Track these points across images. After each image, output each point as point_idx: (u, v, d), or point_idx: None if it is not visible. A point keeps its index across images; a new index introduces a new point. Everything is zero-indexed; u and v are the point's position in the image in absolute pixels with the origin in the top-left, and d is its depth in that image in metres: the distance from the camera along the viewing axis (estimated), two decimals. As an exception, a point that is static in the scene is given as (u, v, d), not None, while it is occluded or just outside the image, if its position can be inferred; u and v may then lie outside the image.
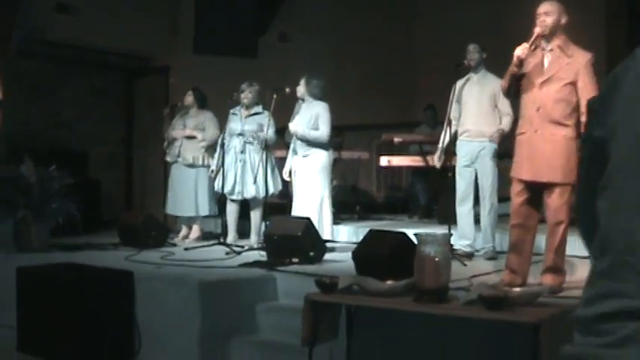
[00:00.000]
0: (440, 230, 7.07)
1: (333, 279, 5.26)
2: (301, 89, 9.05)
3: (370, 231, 6.90)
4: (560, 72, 6.06)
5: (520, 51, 6.09)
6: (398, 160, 11.40)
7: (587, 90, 5.94)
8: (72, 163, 10.73)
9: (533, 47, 6.13)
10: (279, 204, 10.27)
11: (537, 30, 6.11)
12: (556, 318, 4.59)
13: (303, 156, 8.96)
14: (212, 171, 9.79)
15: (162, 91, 12.64)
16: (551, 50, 6.15)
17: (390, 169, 12.52)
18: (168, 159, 10.33)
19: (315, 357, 5.37)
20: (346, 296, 5.21)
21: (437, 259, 4.82)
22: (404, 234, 6.52)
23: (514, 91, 6.36)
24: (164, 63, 12.88)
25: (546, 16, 6.13)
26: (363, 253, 6.50)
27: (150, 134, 12.13)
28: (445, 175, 8.84)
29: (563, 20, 6.16)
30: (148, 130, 12.36)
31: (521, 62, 6.12)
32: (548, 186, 6.07)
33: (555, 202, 6.04)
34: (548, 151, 6.03)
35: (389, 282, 5.18)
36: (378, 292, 5.10)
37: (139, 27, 12.26)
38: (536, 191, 6.17)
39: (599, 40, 11.66)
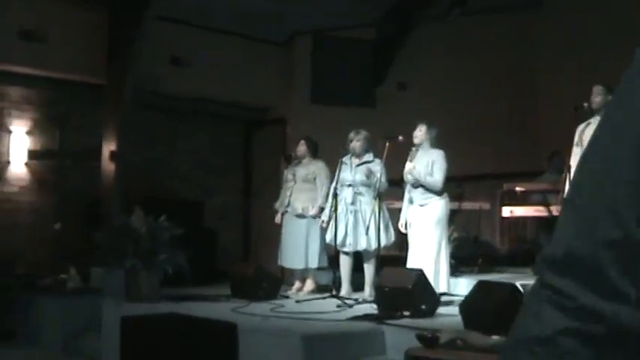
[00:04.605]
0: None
1: (435, 333, 4.94)
2: (420, 135, 8.80)
3: (478, 282, 6.54)
4: None
5: None
6: (521, 211, 10.96)
7: None
8: (188, 213, 10.74)
9: None
10: (396, 256, 9.95)
11: None
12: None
13: (420, 205, 8.71)
14: (323, 221, 9.57)
15: (280, 141, 12.59)
16: None
17: (514, 220, 12.07)
18: (277, 206, 10.20)
19: (419, 417, 5.03)
20: (449, 352, 4.87)
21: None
22: (514, 285, 6.13)
23: None
24: (281, 114, 12.86)
25: None
26: (470, 305, 6.13)
27: (267, 184, 12.05)
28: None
29: None
30: (265, 181, 12.29)
31: None
32: None
33: None
34: None
35: (495, 337, 4.82)
36: (483, 348, 4.74)
37: (255, 79, 12.31)
38: None
39: None
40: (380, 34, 12.88)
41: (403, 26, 12.69)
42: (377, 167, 9.18)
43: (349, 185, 9.28)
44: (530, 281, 7.53)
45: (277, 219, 10.27)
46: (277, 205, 10.28)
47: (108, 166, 10.93)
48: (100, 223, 10.25)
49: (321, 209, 9.72)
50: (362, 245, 9.18)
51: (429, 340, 4.89)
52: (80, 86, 11.24)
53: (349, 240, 9.21)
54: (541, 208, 10.67)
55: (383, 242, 9.13)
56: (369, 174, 9.09)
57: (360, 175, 9.25)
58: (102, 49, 10.98)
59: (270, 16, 11.96)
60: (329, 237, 9.38)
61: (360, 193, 9.25)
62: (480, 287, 6.38)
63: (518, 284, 6.03)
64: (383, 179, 9.15)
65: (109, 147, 10.92)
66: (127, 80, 10.78)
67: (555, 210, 10.17)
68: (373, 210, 9.06)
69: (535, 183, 11.45)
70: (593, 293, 0.99)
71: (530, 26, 14.32)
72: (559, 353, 1.01)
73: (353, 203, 9.24)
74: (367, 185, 9.23)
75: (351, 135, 9.43)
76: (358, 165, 9.34)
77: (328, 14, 12.19)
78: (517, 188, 11.05)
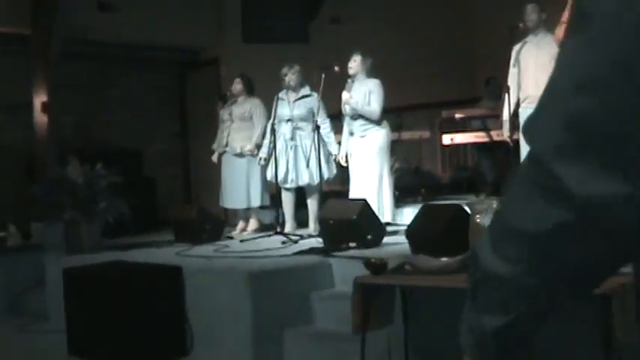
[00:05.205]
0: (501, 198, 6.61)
1: (383, 259, 4.86)
2: (355, 66, 8.69)
3: (423, 206, 6.49)
4: None
5: None
6: (461, 138, 10.94)
7: None
8: (126, 162, 10.56)
9: None
10: (338, 190, 9.89)
11: None
12: (628, 287, 4.13)
13: (360, 136, 8.65)
14: (261, 159, 9.44)
15: (214, 82, 12.38)
16: None
17: (455, 148, 12.07)
18: (214, 147, 10.07)
19: (372, 344, 4.99)
20: (398, 277, 4.81)
21: (493, 229, 4.38)
22: (459, 206, 6.08)
23: None
24: (214, 55, 12.63)
25: None
26: (416, 229, 6.08)
27: (204, 127, 11.89)
28: (508, 148, 8.35)
29: None
30: (202, 123, 12.13)
31: None
32: None
33: None
34: None
35: (443, 259, 4.76)
36: (432, 270, 4.69)
37: (185, 20, 12.02)
38: None
39: None
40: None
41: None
42: (315, 102, 9.06)
43: (288, 120, 9.15)
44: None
45: (214, 158, 10.13)
46: (214, 145, 10.14)
47: (40, 118, 10.64)
48: (36, 177, 10.01)
49: (258, 147, 9.60)
50: (304, 180, 9.07)
51: (376, 266, 4.81)
52: (5, 38, 10.88)
53: (291, 176, 9.09)
54: (481, 133, 10.66)
55: (325, 175, 9.04)
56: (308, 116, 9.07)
57: (298, 110, 9.14)
58: (25, -1, 10.64)
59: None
60: (270, 174, 9.27)
61: (300, 128, 9.13)
62: (425, 211, 6.32)
63: (463, 205, 6.00)
64: (322, 114, 9.06)
65: (40, 99, 10.62)
66: (54, 29, 10.47)
67: (495, 135, 10.16)
68: (313, 143, 8.96)
69: (474, 109, 11.43)
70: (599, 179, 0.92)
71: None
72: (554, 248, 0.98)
73: (292, 139, 9.11)
74: (306, 120, 9.12)
75: (285, 70, 9.28)
76: (296, 100, 9.21)
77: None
78: (456, 115, 11.02)
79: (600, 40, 0.91)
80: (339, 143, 9.10)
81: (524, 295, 1.01)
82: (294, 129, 9.11)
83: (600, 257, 0.98)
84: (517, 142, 8.19)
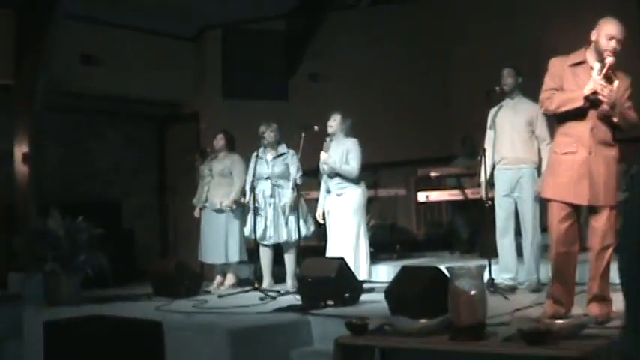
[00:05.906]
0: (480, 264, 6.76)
1: (364, 320, 4.98)
2: (335, 125, 8.83)
3: (402, 267, 6.61)
4: None
5: (597, 86, 5.63)
6: (436, 196, 11.10)
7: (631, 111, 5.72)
8: (105, 213, 10.62)
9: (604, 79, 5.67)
10: (314, 246, 10.01)
11: (610, 60, 5.68)
12: (602, 351, 4.27)
13: (337, 195, 8.75)
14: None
15: (194, 137, 12.51)
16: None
17: (430, 205, 12.23)
18: (194, 202, 10.20)
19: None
20: (378, 338, 4.92)
21: (472, 293, 4.52)
22: (437, 269, 6.22)
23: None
24: (194, 109, 12.77)
25: (618, 43, 5.72)
26: (395, 291, 6.20)
27: (182, 181, 11.99)
28: (484, 207, 8.50)
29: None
30: (181, 177, 12.22)
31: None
32: (597, 209, 5.74)
33: (605, 226, 5.71)
34: (604, 174, 5.71)
35: (422, 320, 4.88)
36: (411, 332, 4.80)
37: (166, 74, 12.18)
38: (579, 216, 5.86)
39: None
40: (290, 25, 12.86)
41: (314, 17, 12.70)
42: (292, 160, 9.25)
43: (267, 178, 9.30)
44: (452, 263, 7.64)
45: (196, 213, 10.26)
46: (195, 201, 10.28)
47: (21, 169, 10.70)
48: (16, 228, 10.06)
49: (237, 202, 9.75)
50: (283, 237, 9.22)
51: (358, 327, 4.93)
52: (-13, 89, 10.97)
53: (269, 233, 9.23)
54: (456, 192, 10.83)
55: (303, 232, 9.18)
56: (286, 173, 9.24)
57: (277, 168, 9.29)
58: (9, 50, 10.71)
59: (180, 11, 11.84)
60: (247, 231, 9.41)
61: (279, 186, 9.29)
62: (404, 272, 6.45)
63: (442, 267, 6.12)
64: (295, 170, 9.22)
65: (21, 150, 10.69)
66: (37, 81, 10.57)
67: (470, 193, 10.32)
68: (291, 201, 9.12)
69: (449, 167, 11.62)
70: None
71: (440, 16, 14.42)
72: None
73: (272, 196, 9.27)
74: (284, 177, 9.28)
75: (262, 128, 9.43)
76: (274, 158, 9.37)
77: (240, 6, 12.10)
78: (432, 174, 11.19)
79: None
80: (316, 200, 9.25)
81: None
82: (274, 186, 9.27)
83: None
84: (492, 202, 8.32)
